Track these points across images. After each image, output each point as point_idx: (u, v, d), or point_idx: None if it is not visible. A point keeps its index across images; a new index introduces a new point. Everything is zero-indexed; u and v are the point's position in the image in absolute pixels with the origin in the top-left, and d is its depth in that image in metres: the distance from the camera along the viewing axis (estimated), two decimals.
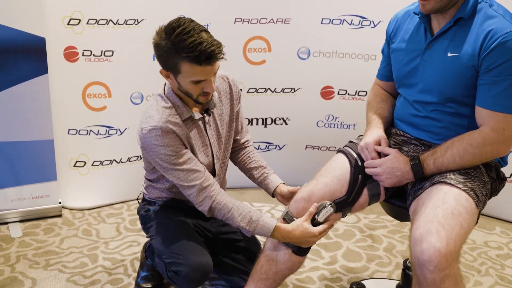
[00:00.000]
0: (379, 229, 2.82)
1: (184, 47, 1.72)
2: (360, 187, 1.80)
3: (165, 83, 1.95)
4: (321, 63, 3.00)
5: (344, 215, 1.86)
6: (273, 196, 2.10)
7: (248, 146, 2.18)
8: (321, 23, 2.92)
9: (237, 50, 2.97)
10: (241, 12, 2.92)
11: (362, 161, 1.83)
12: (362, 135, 1.95)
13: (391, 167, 1.75)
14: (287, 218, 1.85)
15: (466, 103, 1.72)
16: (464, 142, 1.68)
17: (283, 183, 2.10)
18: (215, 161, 2.04)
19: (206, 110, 1.98)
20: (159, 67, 1.89)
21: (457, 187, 1.64)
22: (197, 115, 1.94)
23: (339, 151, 1.91)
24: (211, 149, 2.02)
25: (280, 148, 3.18)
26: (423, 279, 1.52)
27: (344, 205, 1.81)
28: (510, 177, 2.90)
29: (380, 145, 1.81)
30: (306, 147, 3.17)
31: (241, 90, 2.96)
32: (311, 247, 1.91)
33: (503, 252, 2.64)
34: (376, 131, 1.85)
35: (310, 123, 3.10)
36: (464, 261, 2.53)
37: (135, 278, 2.25)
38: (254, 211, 1.88)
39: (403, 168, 1.74)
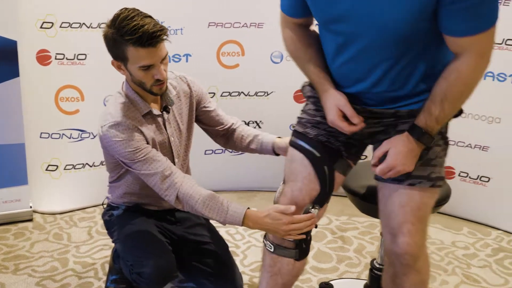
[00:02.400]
0: (350, 230, 2.86)
1: (126, 31, 1.76)
2: (330, 174, 1.71)
3: (124, 80, 1.98)
4: (294, 67, 2.96)
5: (328, 201, 1.78)
6: (277, 154, 2.10)
7: (237, 127, 2.19)
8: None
9: (211, 54, 3.00)
10: (214, 16, 2.95)
11: (319, 151, 1.70)
12: (305, 110, 1.76)
13: (397, 153, 1.55)
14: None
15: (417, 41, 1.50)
16: (458, 84, 1.47)
17: (279, 137, 2.11)
18: (176, 159, 2.06)
19: (165, 107, 2.01)
20: None
21: (420, 188, 1.60)
22: (156, 111, 1.97)
23: (292, 145, 1.76)
24: (171, 146, 2.04)
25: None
26: (398, 264, 1.62)
27: (324, 197, 1.74)
28: (476, 179, 2.97)
29: (344, 111, 1.62)
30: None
31: (214, 94, 3.03)
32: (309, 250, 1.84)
33: (470, 252, 2.70)
34: (329, 101, 1.64)
35: (283, 126, 3.12)
36: (432, 261, 2.58)
37: (105, 282, 2.25)
38: (223, 200, 1.85)
39: (410, 147, 1.54)
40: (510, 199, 2.88)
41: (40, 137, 2.81)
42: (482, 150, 2.92)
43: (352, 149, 1.72)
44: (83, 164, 2.91)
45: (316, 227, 1.81)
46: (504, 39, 2.74)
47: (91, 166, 2.93)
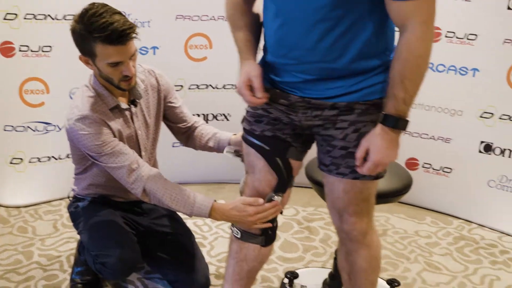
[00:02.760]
0: (317, 221, 2.91)
1: (95, 28, 1.76)
2: (284, 163, 1.72)
3: (91, 74, 1.97)
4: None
5: (291, 186, 1.81)
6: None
7: (198, 126, 2.21)
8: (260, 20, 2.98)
9: (179, 47, 3.00)
10: (182, 9, 2.95)
11: (268, 144, 1.69)
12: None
13: (378, 147, 1.51)
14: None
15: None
16: (412, 59, 1.44)
17: (235, 134, 2.13)
18: (143, 152, 2.07)
19: (133, 101, 2.01)
20: None
21: (363, 178, 1.63)
22: (124, 105, 1.97)
23: (244, 140, 1.77)
24: (138, 140, 2.04)
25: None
26: (349, 241, 1.74)
27: (284, 185, 1.76)
28: (439, 170, 3.05)
29: (252, 81, 1.60)
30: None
31: (181, 86, 3.03)
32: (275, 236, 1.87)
33: (432, 240, 2.77)
34: (244, 68, 1.63)
35: None
36: (395, 249, 2.65)
37: (70, 274, 2.25)
38: (190, 193, 1.87)
39: (389, 138, 1.51)
40: (471, 189, 2.96)
41: (4, 130, 2.78)
42: (445, 142, 3.00)
43: (300, 138, 1.72)
44: (48, 157, 2.88)
45: (281, 213, 1.85)
46: (466, 33, 2.81)
47: (56, 159, 2.90)
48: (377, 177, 1.65)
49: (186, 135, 2.21)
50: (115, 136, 1.93)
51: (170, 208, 1.90)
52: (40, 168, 2.88)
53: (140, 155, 2.06)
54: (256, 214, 1.75)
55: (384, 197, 1.94)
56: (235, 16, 1.72)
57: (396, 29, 1.52)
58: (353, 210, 1.68)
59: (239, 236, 1.83)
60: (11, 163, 2.83)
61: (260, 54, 1.72)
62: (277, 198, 1.76)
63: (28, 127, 2.80)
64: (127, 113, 2.00)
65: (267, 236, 1.83)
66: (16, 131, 2.79)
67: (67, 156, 2.92)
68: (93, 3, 1.83)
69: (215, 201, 1.89)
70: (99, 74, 1.91)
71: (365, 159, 1.55)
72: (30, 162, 2.85)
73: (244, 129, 1.76)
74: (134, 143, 2.04)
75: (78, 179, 2.13)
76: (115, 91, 1.95)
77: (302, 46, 1.52)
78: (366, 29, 1.49)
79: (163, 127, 2.21)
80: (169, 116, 2.17)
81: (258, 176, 1.75)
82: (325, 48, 1.49)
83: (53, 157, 2.89)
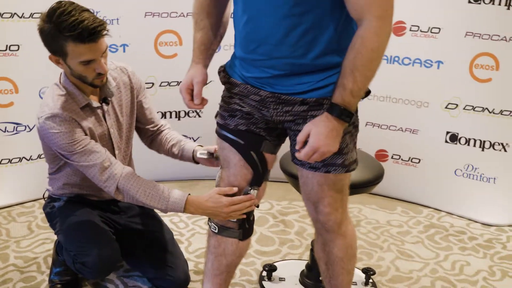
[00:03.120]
0: (291, 214, 2.96)
1: (66, 27, 1.76)
2: (259, 157, 1.74)
3: (61, 72, 1.96)
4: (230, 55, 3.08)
5: (267, 179, 1.82)
6: (196, 163, 2.13)
7: (163, 130, 2.21)
8: (231, 17, 3.00)
9: (148, 44, 3.00)
10: (151, 6, 2.94)
11: (243, 138, 1.72)
12: (222, 97, 1.78)
13: (318, 134, 1.51)
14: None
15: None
16: (364, 52, 1.45)
17: (200, 145, 2.13)
18: (116, 151, 2.07)
19: (104, 99, 2.00)
20: None
21: (335, 172, 1.67)
22: (95, 103, 1.97)
23: (218, 135, 1.79)
24: (111, 139, 2.04)
25: (195, 140, 3.24)
26: (325, 231, 1.79)
27: (260, 178, 1.78)
28: (408, 160, 3.13)
29: (193, 86, 1.70)
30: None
31: (152, 84, 3.02)
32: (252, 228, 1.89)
33: (403, 229, 2.86)
34: (190, 71, 1.72)
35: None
36: (368, 239, 2.72)
37: (49, 275, 2.23)
38: (163, 189, 1.88)
39: (331, 126, 1.51)
40: (439, 179, 3.06)
41: None
42: (412, 133, 3.09)
43: (274, 132, 1.74)
44: (19, 158, 2.84)
45: (257, 206, 1.87)
46: (429, 27, 2.90)
47: (28, 160, 2.86)
48: (348, 170, 1.70)
49: (151, 138, 2.22)
50: (86, 135, 1.93)
51: (144, 205, 1.91)
52: (11, 170, 2.83)
53: (114, 154, 2.06)
54: (231, 205, 1.76)
55: (358, 187, 2.00)
56: (200, 16, 1.75)
57: None
58: (327, 201, 1.73)
59: (216, 231, 1.85)
60: None
61: (228, 52, 1.75)
62: (252, 192, 1.78)
63: None
64: (98, 111, 2.00)
65: (244, 229, 1.86)
66: None
67: (39, 157, 2.89)
68: (60, 1, 1.82)
69: (189, 194, 1.89)
70: (70, 73, 1.90)
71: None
72: (1, 163, 2.80)
73: (218, 123, 1.78)
74: (107, 142, 2.04)
75: (53, 179, 2.11)
76: (86, 89, 1.95)
77: (270, 41, 1.55)
78: (330, 26, 1.52)
79: None
80: (138, 115, 2.17)
81: (233, 171, 1.77)
82: (292, 43, 1.53)
83: (24, 157, 2.85)
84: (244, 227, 1.85)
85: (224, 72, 1.76)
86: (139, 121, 2.18)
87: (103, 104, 2.00)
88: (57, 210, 2.09)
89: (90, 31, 1.75)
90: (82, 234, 1.98)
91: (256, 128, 1.72)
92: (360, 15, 1.45)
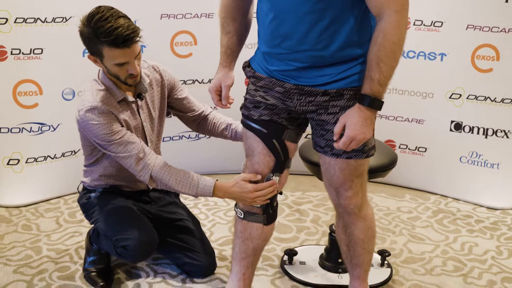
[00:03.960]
0: (305, 204, 3.09)
1: (102, 33, 1.90)
2: (281, 145, 1.86)
3: (99, 69, 2.10)
4: (244, 54, 3.19)
5: (288, 167, 1.95)
6: None
7: (208, 114, 2.34)
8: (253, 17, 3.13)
9: (165, 44, 3.13)
10: (166, 8, 3.08)
11: (266, 127, 1.84)
12: (248, 90, 1.90)
13: (354, 123, 1.65)
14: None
15: None
16: (387, 44, 1.58)
17: None
18: (149, 143, 2.20)
19: (139, 95, 2.14)
20: (89, 63, 2.06)
21: (356, 157, 1.79)
22: (130, 98, 2.10)
23: (243, 125, 1.92)
24: (144, 131, 2.17)
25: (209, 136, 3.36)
26: (346, 214, 1.93)
27: (282, 165, 1.90)
28: (415, 149, 3.27)
29: (222, 89, 1.90)
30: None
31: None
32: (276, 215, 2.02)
33: (413, 215, 2.99)
34: (218, 74, 1.91)
35: (236, 109, 3.30)
36: (381, 225, 2.85)
37: (82, 265, 2.35)
38: (193, 176, 2.02)
39: (364, 115, 1.65)
40: (445, 166, 3.20)
41: (0, 132, 2.84)
42: (418, 123, 3.22)
43: (295, 122, 1.87)
44: (44, 156, 2.96)
45: (281, 193, 2.00)
46: (432, 21, 3.04)
47: (52, 158, 2.98)
48: (368, 155, 1.83)
49: (196, 123, 2.35)
50: (123, 126, 2.06)
51: (176, 191, 2.04)
52: (37, 168, 2.95)
53: (147, 145, 2.19)
54: (255, 191, 1.89)
55: (375, 172, 2.14)
56: (226, 20, 1.90)
57: None
58: (349, 186, 1.85)
59: (242, 216, 1.98)
60: (8, 164, 2.89)
61: (249, 51, 1.90)
62: (275, 178, 1.90)
63: (23, 128, 2.87)
64: (133, 105, 2.13)
65: (268, 214, 1.98)
66: (11, 132, 2.85)
67: (63, 155, 3.01)
68: (99, 6, 1.96)
69: (217, 180, 2.03)
70: (107, 71, 2.03)
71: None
72: (27, 162, 2.92)
73: (243, 114, 1.91)
74: (141, 134, 2.17)
75: (89, 171, 2.24)
76: (122, 85, 2.08)
77: (294, 36, 1.68)
78: (350, 20, 1.65)
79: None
80: (177, 106, 2.31)
81: (257, 159, 1.90)
82: (314, 37, 1.66)
83: (49, 156, 2.97)
84: (268, 212, 1.98)
85: (249, 67, 1.89)
86: (180, 111, 2.32)
87: (138, 99, 2.13)
88: (94, 200, 2.21)
89: (124, 37, 1.89)
90: (122, 220, 2.11)
91: (278, 118, 1.84)
92: (379, 10, 1.58)
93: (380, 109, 1.67)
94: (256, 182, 1.91)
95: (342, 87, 1.72)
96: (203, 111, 2.35)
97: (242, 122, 1.92)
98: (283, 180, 1.96)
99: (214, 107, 2.30)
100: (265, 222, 1.98)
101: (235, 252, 2.04)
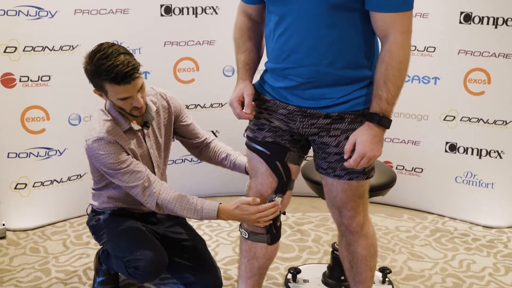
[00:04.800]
0: (306, 224, 3.16)
1: (103, 70, 1.99)
2: (283, 167, 1.92)
3: (106, 101, 2.19)
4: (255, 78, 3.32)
5: (291, 188, 2.00)
6: (247, 173, 2.28)
7: (211, 142, 2.41)
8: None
9: (168, 70, 3.23)
10: (170, 36, 3.18)
11: (269, 149, 1.90)
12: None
13: (364, 141, 1.71)
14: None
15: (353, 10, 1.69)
16: (393, 64, 1.66)
17: None
18: (156, 169, 2.28)
19: (145, 123, 2.22)
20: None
21: (357, 179, 1.86)
22: (136, 127, 2.18)
23: (247, 147, 1.97)
24: (151, 158, 2.25)
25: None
26: (349, 233, 1.98)
27: (284, 187, 1.95)
28: (411, 170, 3.36)
29: (244, 98, 1.86)
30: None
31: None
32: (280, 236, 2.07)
33: (412, 234, 3.07)
34: (240, 85, 1.89)
35: (238, 134, 3.37)
36: (380, 244, 2.92)
37: (91, 285, 2.40)
38: (197, 201, 2.09)
39: (373, 133, 1.71)
40: (440, 186, 3.28)
41: (8, 157, 2.91)
42: (414, 144, 3.32)
43: (298, 144, 1.92)
44: (51, 180, 3.02)
45: (284, 213, 2.08)
46: (425, 46, 3.16)
47: (59, 182, 3.05)
48: (368, 176, 1.91)
49: (198, 149, 2.43)
50: (129, 155, 2.13)
51: (182, 216, 2.11)
52: (43, 192, 3.01)
53: (154, 172, 2.27)
54: (257, 212, 1.95)
55: (376, 190, 2.22)
56: (241, 40, 1.95)
57: None
58: (351, 206, 1.92)
59: (247, 236, 2.04)
60: (15, 188, 2.95)
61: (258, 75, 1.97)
62: (277, 199, 1.97)
63: (31, 153, 2.94)
64: (139, 134, 2.21)
65: (272, 234, 2.04)
66: (19, 157, 2.92)
67: (69, 179, 3.07)
68: (101, 44, 2.05)
69: (220, 204, 2.10)
70: (112, 104, 2.12)
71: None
72: (33, 186, 2.98)
73: (247, 136, 1.97)
74: (147, 161, 2.25)
75: (97, 194, 2.31)
76: (129, 115, 2.16)
77: (302, 49, 1.73)
78: (355, 40, 1.72)
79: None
80: (182, 133, 2.39)
81: (260, 180, 1.96)
82: (321, 52, 1.72)
83: (55, 180, 3.03)
84: (271, 232, 2.03)
85: (254, 90, 1.95)
86: (184, 137, 2.40)
87: (144, 127, 2.21)
88: (103, 222, 2.28)
89: (124, 74, 1.98)
90: (132, 240, 2.18)
91: (281, 140, 1.91)
92: (386, 31, 1.66)
93: (388, 127, 1.72)
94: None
95: (343, 110, 1.79)
96: (206, 138, 2.42)
97: (247, 144, 1.99)
98: (286, 201, 2.02)
99: (215, 134, 2.37)
100: (269, 242, 2.03)
101: (241, 271, 2.09)
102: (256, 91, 1.94)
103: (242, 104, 1.86)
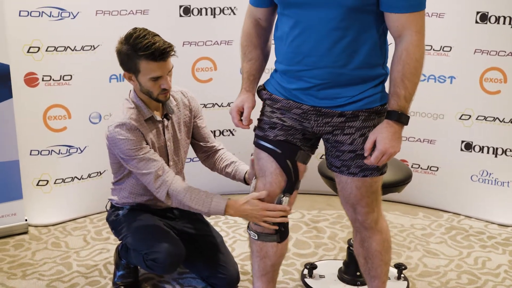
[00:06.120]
0: (322, 221, 3.19)
1: (141, 48, 2.07)
2: (293, 166, 1.93)
3: (131, 89, 2.25)
4: (262, 78, 3.36)
5: (297, 188, 2.01)
6: (246, 183, 2.35)
7: (219, 150, 2.46)
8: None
9: (186, 70, 3.28)
10: (188, 36, 3.24)
11: (280, 148, 1.91)
12: (263, 112, 1.98)
13: (384, 138, 1.75)
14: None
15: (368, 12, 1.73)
16: (411, 62, 1.70)
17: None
18: (170, 163, 2.33)
19: (166, 115, 2.27)
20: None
21: (371, 175, 1.89)
22: (158, 117, 2.25)
23: (256, 145, 1.99)
24: (167, 150, 2.30)
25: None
26: (363, 229, 2.01)
27: (292, 186, 1.96)
28: (427, 169, 3.38)
29: (244, 110, 1.95)
30: (251, 155, 3.50)
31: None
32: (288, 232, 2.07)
33: (427, 231, 3.08)
34: (242, 96, 1.97)
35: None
36: (396, 241, 2.95)
37: (112, 279, 2.46)
38: (207, 194, 2.13)
39: (393, 130, 1.74)
40: (456, 185, 3.30)
41: (30, 154, 2.98)
42: (430, 143, 3.34)
43: (308, 143, 1.95)
44: (72, 177, 3.10)
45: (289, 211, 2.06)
46: (441, 46, 3.18)
47: (79, 179, 3.12)
48: (382, 173, 1.94)
49: (206, 154, 2.47)
50: (147, 144, 2.19)
51: (190, 209, 2.15)
52: (64, 189, 3.09)
53: (168, 165, 2.32)
54: (265, 210, 1.96)
55: (393, 187, 2.25)
56: (248, 48, 1.99)
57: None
58: (365, 202, 1.95)
59: (256, 238, 2.05)
60: (37, 185, 3.03)
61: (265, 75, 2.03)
62: (284, 198, 1.98)
63: (52, 150, 3.02)
64: (159, 125, 2.27)
65: (281, 233, 2.04)
66: (41, 155, 3.00)
67: (89, 176, 3.14)
68: (135, 28, 2.14)
69: (229, 199, 2.14)
70: (139, 89, 2.18)
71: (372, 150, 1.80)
72: (55, 183, 3.06)
73: (257, 135, 1.98)
74: (164, 153, 2.30)
75: (117, 189, 2.36)
76: (151, 105, 2.22)
77: (316, 52, 1.77)
78: (369, 41, 1.77)
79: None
80: (195, 134, 2.44)
81: (269, 179, 1.96)
82: (336, 54, 1.75)
83: (76, 177, 3.11)
84: (280, 231, 2.04)
85: (265, 90, 1.99)
86: (194, 138, 2.45)
87: (164, 119, 2.27)
88: (122, 217, 2.34)
89: (161, 51, 2.06)
90: (151, 234, 2.23)
91: (293, 139, 1.93)
92: (400, 31, 1.71)
93: (407, 124, 1.76)
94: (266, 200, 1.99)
95: (357, 109, 1.83)
96: (215, 145, 2.47)
97: (255, 143, 1.99)
98: (292, 200, 2.03)
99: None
100: (278, 240, 2.03)
101: (254, 269, 2.11)
102: (267, 91, 1.96)
103: (241, 114, 1.96)
